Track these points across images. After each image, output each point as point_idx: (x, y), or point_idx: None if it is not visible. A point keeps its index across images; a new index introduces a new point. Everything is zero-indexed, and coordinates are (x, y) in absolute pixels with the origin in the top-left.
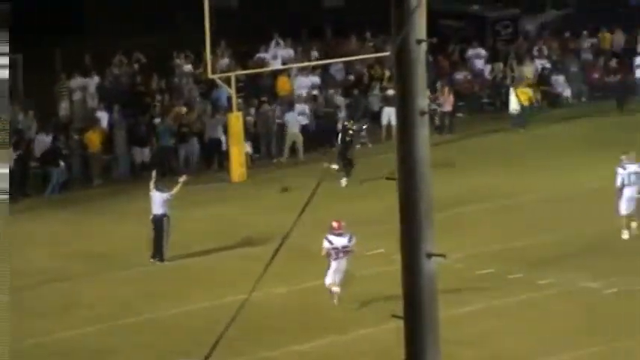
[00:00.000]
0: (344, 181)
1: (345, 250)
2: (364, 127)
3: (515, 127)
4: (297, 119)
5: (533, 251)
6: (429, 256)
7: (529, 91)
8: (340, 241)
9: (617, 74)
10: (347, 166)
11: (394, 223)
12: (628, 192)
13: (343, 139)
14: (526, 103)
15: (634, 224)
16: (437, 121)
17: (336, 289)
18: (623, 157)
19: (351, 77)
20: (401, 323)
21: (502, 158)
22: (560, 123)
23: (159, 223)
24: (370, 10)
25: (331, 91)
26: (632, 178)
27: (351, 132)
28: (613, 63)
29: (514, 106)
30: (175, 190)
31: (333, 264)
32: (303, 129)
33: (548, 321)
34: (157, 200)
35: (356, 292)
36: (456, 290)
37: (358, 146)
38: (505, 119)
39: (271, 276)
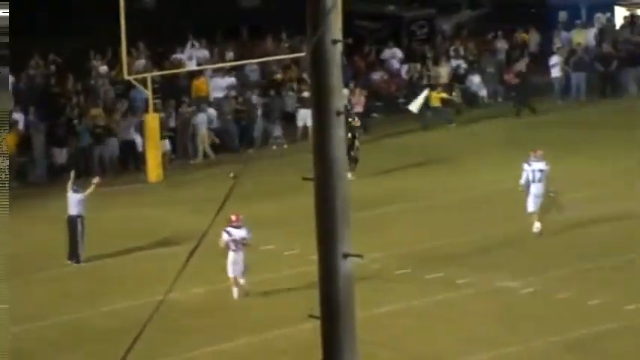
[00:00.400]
0: (349, 176)
1: (242, 242)
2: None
3: (425, 126)
4: (205, 120)
5: (452, 251)
6: (346, 256)
7: (443, 95)
8: (238, 233)
9: (519, 76)
10: (351, 162)
11: (311, 223)
12: (534, 189)
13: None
14: (438, 104)
15: (538, 223)
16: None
17: (242, 281)
18: (532, 154)
19: (278, 76)
20: (319, 323)
21: (420, 158)
22: (477, 123)
23: (73, 224)
24: (286, 10)
25: (248, 92)
26: (537, 175)
27: (354, 129)
28: (521, 65)
29: (417, 106)
30: (88, 191)
31: (231, 255)
32: (215, 130)
33: (466, 321)
34: (73, 201)
35: (274, 292)
36: (374, 290)
37: (274, 147)
38: (420, 119)
39: (189, 276)
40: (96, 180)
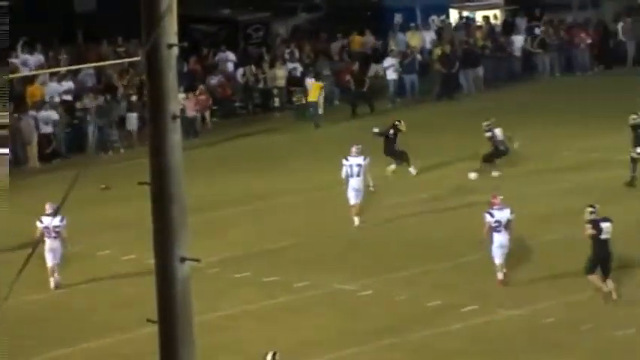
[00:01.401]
0: (390, 169)
1: (56, 230)
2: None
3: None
4: (39, 126)
5: (290, 254)
6: (183, 260)
7: (321, 84)
8: (52, 222)
9: (359, 77)
10: (404, 158)
11: (148, 227)
12: (353, 183)
13: (388, 135)
14: (316, 98)
15: (357, 217)
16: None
17: (53, 278)
18: (351, 149)
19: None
20: (157, 328)
21: (256, 161)
22: (313, 126)
23: None
24: (122, 14)
25: (84, 97)
26: (355, 170)
27: (396, 131)
28: (356, 66)
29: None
30: None
31: (48, 243)
32: (50, 135)
33: (306, 323)
34: None
35: (112, 297)
36: (213, 294)
37: (110, 152)
38: (257, 122)
39: (28, 282)
40: None
